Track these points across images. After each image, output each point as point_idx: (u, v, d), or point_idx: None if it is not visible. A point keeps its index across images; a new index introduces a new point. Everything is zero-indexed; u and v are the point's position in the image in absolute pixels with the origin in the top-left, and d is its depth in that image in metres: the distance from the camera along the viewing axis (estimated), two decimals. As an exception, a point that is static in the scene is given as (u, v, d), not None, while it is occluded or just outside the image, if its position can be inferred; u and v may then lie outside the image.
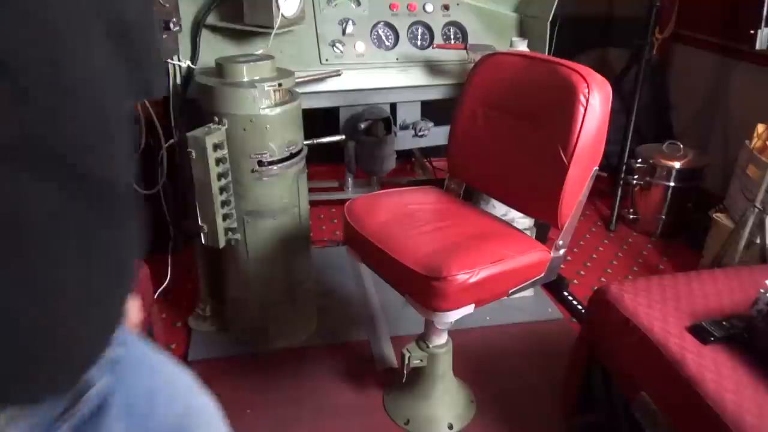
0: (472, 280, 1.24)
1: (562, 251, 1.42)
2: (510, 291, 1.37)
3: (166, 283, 2.02)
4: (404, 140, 2.34)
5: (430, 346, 1.51)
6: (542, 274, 1.41)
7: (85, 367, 0.46)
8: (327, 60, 1.96)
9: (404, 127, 2.31)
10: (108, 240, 0.45)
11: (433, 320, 1.37)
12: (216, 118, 1.59)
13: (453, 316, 1.29)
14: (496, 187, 1.59)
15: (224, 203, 1.60)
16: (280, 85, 1.57)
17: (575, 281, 2.34)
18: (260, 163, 1.58)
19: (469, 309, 1.30)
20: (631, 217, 2.75)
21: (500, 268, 1.30)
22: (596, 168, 1.36)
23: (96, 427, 0.48)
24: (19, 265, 0.37)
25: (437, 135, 2.31)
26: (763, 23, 1.92)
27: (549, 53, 2.04)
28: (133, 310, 0.71)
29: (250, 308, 1.82)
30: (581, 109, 1.28)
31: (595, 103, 1.28)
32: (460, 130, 1.61)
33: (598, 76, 1.32)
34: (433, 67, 2.09)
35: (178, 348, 1.89)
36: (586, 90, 1.28)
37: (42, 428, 0.43)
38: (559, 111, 1.32)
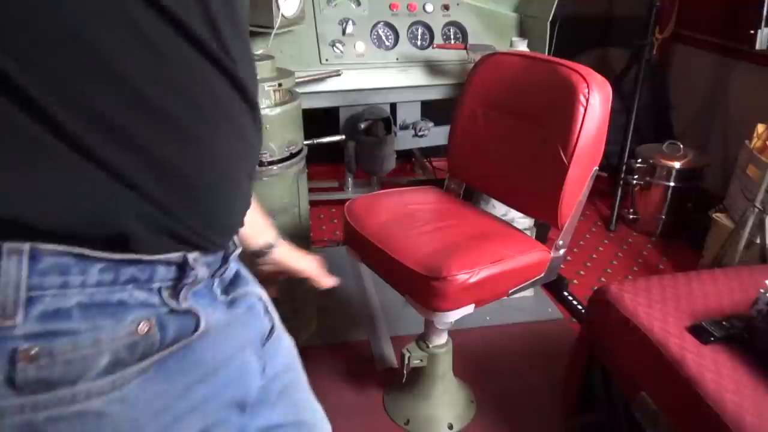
0: (472, 280, 1.24)
1: (562, 251, 1.42)
2: (510, 291, 1.37)
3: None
4: (404, 140, 2.34)
5: (430, 346, 1.51)
6: (542, 274, 1.41)
7: (239, 228, 0.62)
8: (327, 60, 1.97)
9: (404, 127, 2.32)
10: (256, 143, 0.60)
11: (433, 320, 1.37)
12: (216, 118, 1.58)
13: (453, 316, 1.29)
14: (496, 187, 1.58)
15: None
16: (280, 85, 1.57)
17: (575, 281, 2.34)
18: (260, 163, 1.58)
19: (469, 309, 1.30)
20: (631, 217, 2.74)
21: (500, 268, 1.30)
22: (596, 168, 1.36)
23: (237, 285, 0.63)
24: (225, 135, 0.54)
25: (437, 135, 2.32)
26: (763, 23, 1.92)
27: (549, 53, 2.04)
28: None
29: (250, 308, 1.82)
30: (581, 109, 1.28)
31: (595, 103, 1.28)
32: (460, 130, 1.61)
33: (598, 76, 1.32)
34: (433, 67, 2.09)
35: (178, 348, 1.89)
36: (586, 90, 1.28)
37: (210, 272, 0.58)
38: (559, 111, 1.32)
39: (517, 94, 1.47)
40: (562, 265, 2.42)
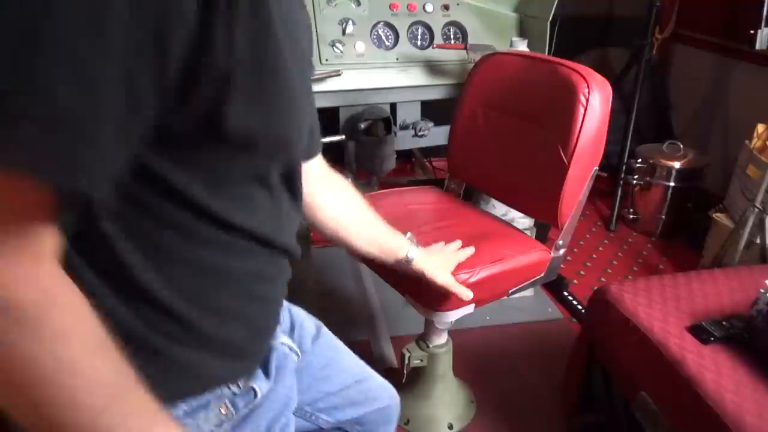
0: (472, 280, 1.24)
1: (562, 251, 1.42)
2: (510, 291, 1.37)
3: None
4: (404, 140, 2.33)
5: (430, 346, 1.51)
6: (542, 274, 1.41)
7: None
8: (327, 60, 1.96)
9: (404, 127, 2.31)
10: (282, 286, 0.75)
11: (433, 320, 1.37)
12: (216, 118, 1.58)
13: (453, 315, 1.29)
14: (496, 187, 1.58)
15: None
16: (280, 85, 1.57)
17: (575, 281, 2.34)
18: (260, 163, 1.58)
19: (469, 309, 1.30)
20: (631, 217, 2.74)
21: (500, 267, 1.30)
22: (596, 168, 1.36)
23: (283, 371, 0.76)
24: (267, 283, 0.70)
25: (437, 135, 2.31)
26: (763, 23, 1.92)
27: (549, 53, 2.04)
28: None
29: (250, 308, 1.82)
30: (581, 109, 1.28)
31: (595, 103, 1.28)
32: (460, 130, 1.61)
33: (598, 76, 1.31)
34: (433, 67, 2.09)
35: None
36: (586, 90, 1.28)
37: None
38: (559, 111, 1.32)
39: (517, 94, 1.47)
40: (562, 265, 2.42)
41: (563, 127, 1.30)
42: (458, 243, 1.26)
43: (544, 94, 1.38)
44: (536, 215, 1.66)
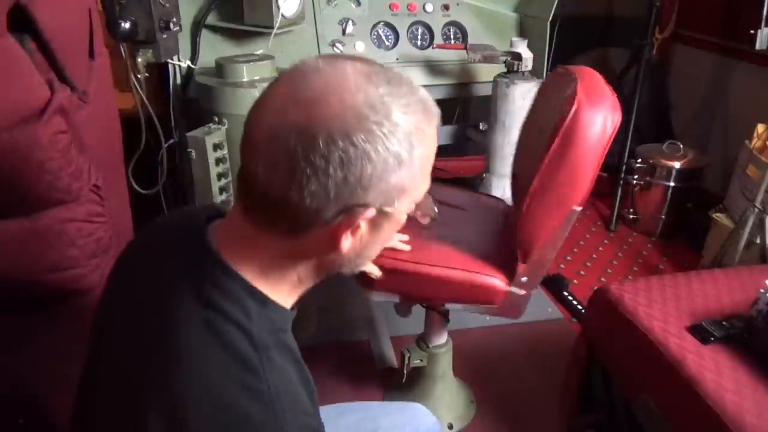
0: (388, 266, 1.24)
1: (524, 291, 1.25)
2: (445, 302, 1.34)
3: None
4: (404, 140, 2.33)
5: (430, 346, 1.51)
6: (496, 305, 1.29)
7: None
8: (327, 60, 1.96)
9: (404, 127, 2.31)
10: None
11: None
12: (216, 118, 1.58)
13: (375, 297, 1.33)
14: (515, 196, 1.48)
15: (224, 203, 1.60)
16: (280, 85, 1.57)
17: (575, 281, 2.34)
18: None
19: (392, 297, 1.33)
20: (631, 217, 2.74)
21: (428, 270, 1.25)
22: (576, 208, 1.13)
23: None
24: None
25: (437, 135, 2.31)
26: (763, 23, 1.92)
27: (549, 53, 2.05)
28: None
29: (250, 308, 1.82)
30: (558, 136, 1.07)
31: (578, 132, 1.05)
32: (522, 137, 1.50)
33: (606, 101, 1.08)
34: (433, 67, 2.09)
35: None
36: (571, 113, 1.05)
37: None
38: (544, 133, 1.16)
39: (543, 107, 1.36)
40: (562, 265, 2.42)
41: (541, 152, 1.12)
42: (404, 237, 1.28)
43: (549, 112, 1.23)
44: (511, 236, 1.44)
